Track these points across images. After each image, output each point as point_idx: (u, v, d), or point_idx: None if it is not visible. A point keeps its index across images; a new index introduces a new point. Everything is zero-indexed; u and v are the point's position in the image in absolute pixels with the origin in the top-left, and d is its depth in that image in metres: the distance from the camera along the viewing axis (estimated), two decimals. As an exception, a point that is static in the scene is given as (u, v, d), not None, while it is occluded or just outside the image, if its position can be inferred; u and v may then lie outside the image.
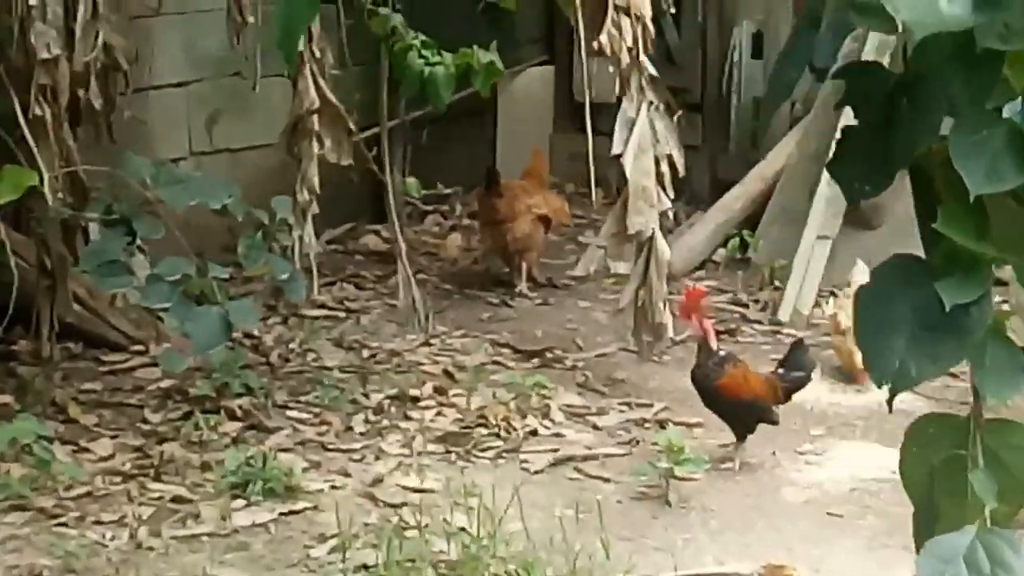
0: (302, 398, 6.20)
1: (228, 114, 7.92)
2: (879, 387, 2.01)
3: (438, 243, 8.42)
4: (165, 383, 6.26)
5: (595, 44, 5.69)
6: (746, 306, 7.48)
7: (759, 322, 7.25)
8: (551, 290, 7.82)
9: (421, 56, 5.56)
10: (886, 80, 1.97)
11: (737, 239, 7.96)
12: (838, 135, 2.01)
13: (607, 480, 5.52)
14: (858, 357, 6.28)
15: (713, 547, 5.01)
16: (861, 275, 6.49)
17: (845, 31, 7.52)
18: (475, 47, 6.01)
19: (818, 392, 6.40)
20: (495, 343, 6.92)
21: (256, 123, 8.05)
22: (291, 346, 6.79)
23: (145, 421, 5.94)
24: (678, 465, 5.29)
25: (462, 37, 6.88)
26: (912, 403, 6.27)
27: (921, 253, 7.48)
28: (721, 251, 8.03)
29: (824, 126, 8.12)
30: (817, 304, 7.33)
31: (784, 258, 7.69)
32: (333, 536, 5.00)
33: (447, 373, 6.50)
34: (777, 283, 7.55)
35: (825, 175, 7.49)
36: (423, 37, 5.71)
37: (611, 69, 6.02)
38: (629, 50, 6.14)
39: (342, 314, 7.31)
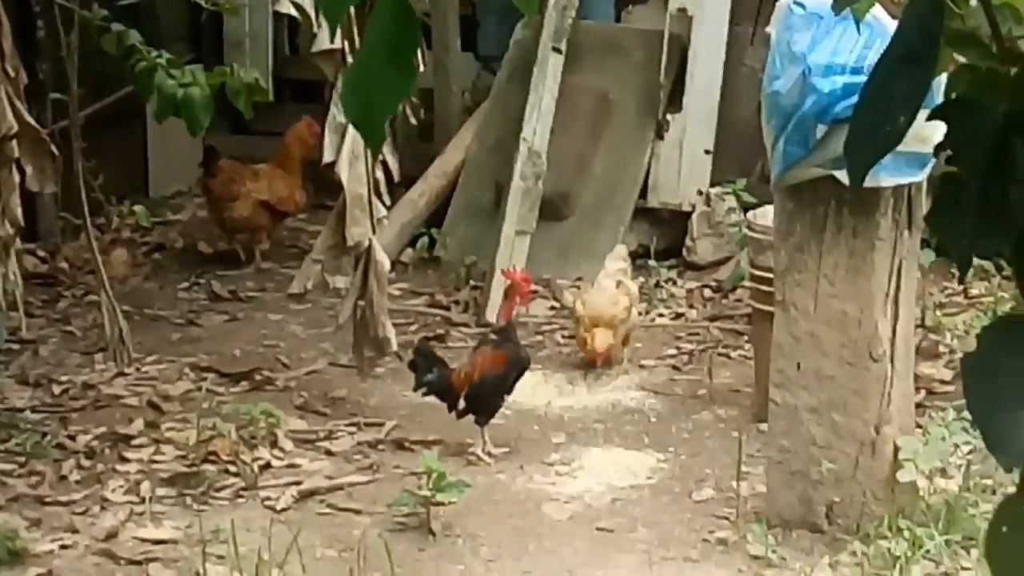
0: (0, 447, 5.63)
1: None
2: (1007, 471, 1.74)
3: (102, 260, 7.84)
4: None
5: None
6: (447, 308, 7.23)
7: (466, 325, 7.00)
8: (237, 303, 7.40)
9: (171, 76, 5.04)
10: (994, 118, 1.72)
11: (425, 238, 7.69)
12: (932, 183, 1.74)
13: (359, 512, 5.17)
14: (598, 341, 6.15)
15: (491, 576, 4.74)
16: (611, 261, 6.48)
17: (513, 20, 7.31)
18: (234, 66, 5.52)
19: (547, 395, 6.21)
20: (195, 367, 6.46)
21: None
22: (-30, 388, 6.18)
23: None
24: (440, 492, 4.99)
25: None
26: (643, 400, 6.19)
27: (611, 240, 7.28)
28: (409, 251, 7.75)
29: (501, 116, 7.94)
30: (522, 302, 7.13)
31: (474, 254, 7.48)
32: (79, 605, 4.52)
33: (153, 405, 6.03)
34: (473, 281, 7.33)
35: (517, 168, 7.31)
36: (166, 55, 5.18)
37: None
38: (332, 51, 5.79)
39: (16, 346, 6.71)
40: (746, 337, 6.59)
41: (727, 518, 5.03)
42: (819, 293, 4.78)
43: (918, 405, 5.27)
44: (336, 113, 5.83)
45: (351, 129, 5.77)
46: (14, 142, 5.05)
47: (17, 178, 5.14)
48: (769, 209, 5.39)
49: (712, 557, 4.81)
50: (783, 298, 4.86)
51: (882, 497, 4.79)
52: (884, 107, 1.75)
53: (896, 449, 4.79)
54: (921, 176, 4.64)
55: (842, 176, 4.59)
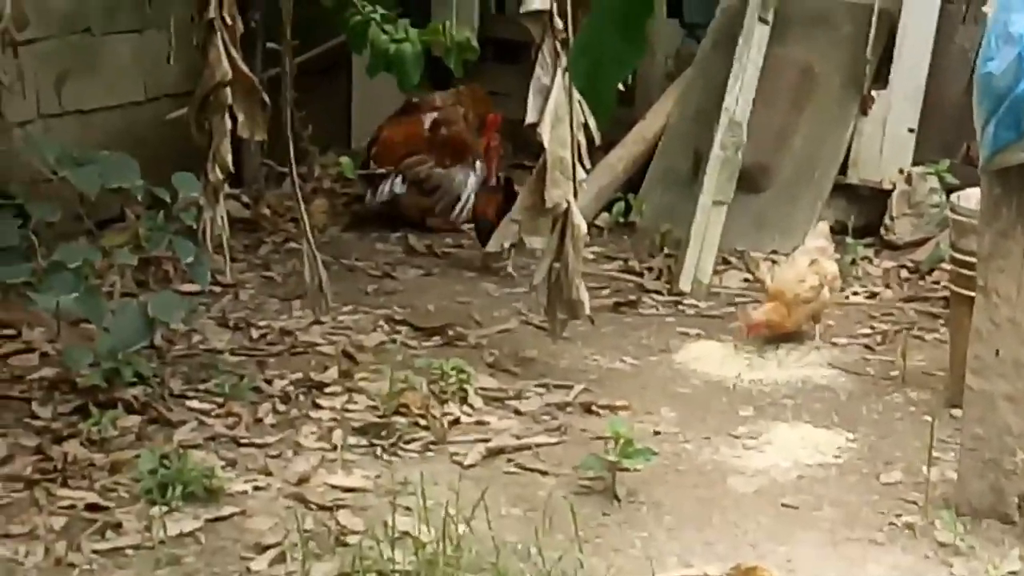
0: (200, 386, 5.78)
1: (76, 74, 7.41)
2: None
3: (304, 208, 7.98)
4: (47, 371, 5.79)
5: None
6: (640, 275, 7.25)
7: (658, 292, 7.02)
8: (433, 258, 7.50)
9: (384, 32, 5.10)
10: None
11: (622, 203, 7.71)
12: None
13: (545, 473, 5.21)
14: (793, 319, 6.15)
15: (673, 545, 4.74)
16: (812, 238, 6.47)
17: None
18: (446, 23, 5.58)
19: (737, 368, 6.20)
20: (389, 319, 6.57)
21: (105, 83, 7.58)
22: (172, 327, 6.32)
23: (34, 416, 5.45)
24: (627, 458, 5.02)
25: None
26: (834, 379, 6.16)
27: (808, 215, 7.20)
28: (605, 215, 7.77)
29: (704, 85, 7.92)
30: (715, 272, 7.13)
31: (670, 222, 7.48)
32: (271, 546, 4.61)
33: (347, 355, 6.13)
34: (668, 249, 7.33)
35: (717, 137, 7.28)
36: (380, 9, 5.25)
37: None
38: (541, 12, 5.81)
39: (218, 289, 6.87)
40: (942, 320, 6.51)
41: (915, 503, 4.98)
42: (1022, 280, 4.71)
43: (1118, 399, 5.16)
44: (541, 75, 5.85)
45: (554, 91, 5.80)
46: (227, 89, 5.17)
47: (229, 125, 5.26)
48: (972, 192, 5.31)
49: (898, 541, 4.77)
50: (985, 284, 4.79)
51: (1076, 491, 4.72)
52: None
53: (1093, 443, 4.70)
54: None
55: (1054, 163, 4.52)
